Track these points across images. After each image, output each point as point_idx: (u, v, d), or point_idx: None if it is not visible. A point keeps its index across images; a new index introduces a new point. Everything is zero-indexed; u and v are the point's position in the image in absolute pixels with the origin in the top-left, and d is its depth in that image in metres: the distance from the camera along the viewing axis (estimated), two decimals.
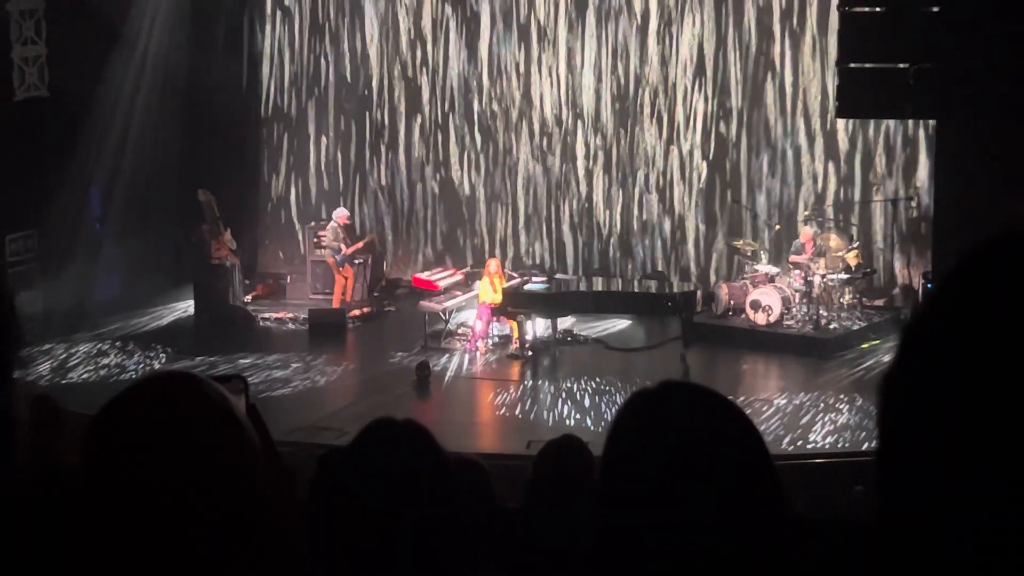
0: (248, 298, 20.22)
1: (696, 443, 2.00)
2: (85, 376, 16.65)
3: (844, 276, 17.68)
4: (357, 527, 2.72)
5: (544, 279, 18.95)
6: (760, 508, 1.96)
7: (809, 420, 14.69)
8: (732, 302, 18.05)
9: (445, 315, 18.30)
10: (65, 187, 18.67)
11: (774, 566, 1.94)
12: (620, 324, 18.66)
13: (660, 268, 20.23)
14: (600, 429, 13.99)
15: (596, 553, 2.05)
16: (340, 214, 20.03)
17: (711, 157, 20.06)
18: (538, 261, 20.91)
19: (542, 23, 20.67)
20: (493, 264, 18.17)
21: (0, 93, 17.61)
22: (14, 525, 1.83)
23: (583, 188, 20.77)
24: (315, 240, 20.58)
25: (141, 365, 17.15)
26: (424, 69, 21.36)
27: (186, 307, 19.67)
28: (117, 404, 2.00)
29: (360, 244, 20.03)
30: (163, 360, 17.31)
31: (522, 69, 20.89)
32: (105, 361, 17.34)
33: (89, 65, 18.77)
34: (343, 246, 19.62)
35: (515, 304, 17.53)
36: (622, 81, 20.41)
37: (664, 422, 2.04)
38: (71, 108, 18.50)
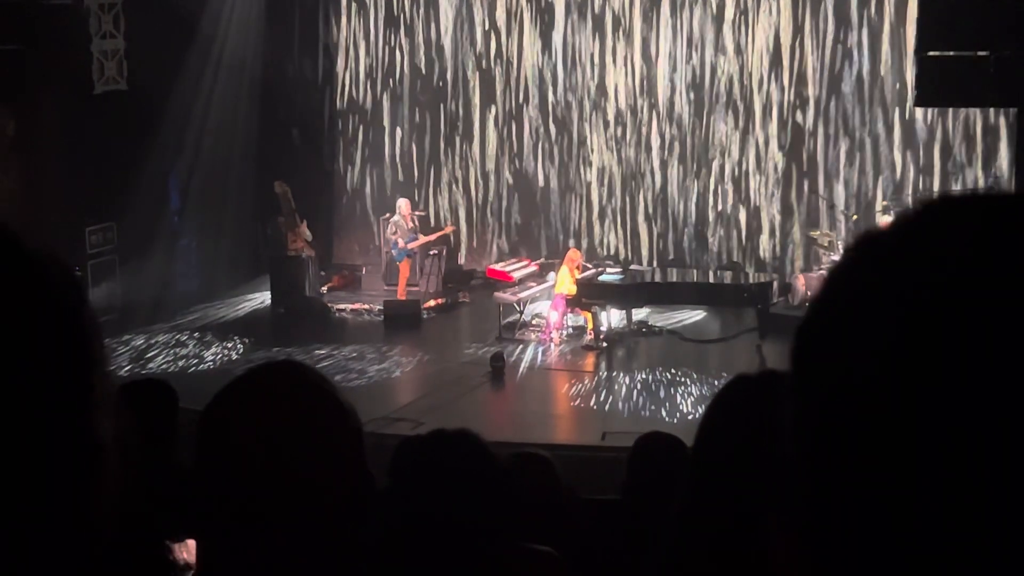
0: (324, 289, 20.34)
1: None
2: (164, 366, 16.81)
3: None
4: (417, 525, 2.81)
5: (619, 270, 18.88)
6: None
7: None
8: (809, 293, 17.90)
9: (520, 306, 18.30)
10: (144, 180, 18.86)
11: None
12: (695, 315, 18.57)
13: (736, 259, 20.12)
14: (675, 420, 13.93)
15: (684, 536, 2.04)
16: (401, 204, 20.00)
17: (787, 147, 19.91)
18: (612, 252, 20.86)
19: (616, 13, 20.60)
20: (574, 253, 18.09)
21: (79, 86, 17.81)
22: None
23: (658, 179, 20.69)
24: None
25: (219, 356, 17.30)
26: (498, 60, 21.37)
27: (263, 298, 19.82)
28: (230, 391, 2.02)
29: (431, 237, 20.01)
30: (240, 351, 17.45)
31: (596, 59, 20.84)
32: (183, 352, 17.51)
33: (167, 58, 18.95)
34: (400, 240, 19.57)
35: (589, 295, 17.50)
36: (697, 71, 20.30)
37: (763, 408, 2.01)
38: (149, 101, 18.68)
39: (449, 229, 20.71)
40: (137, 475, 1.26)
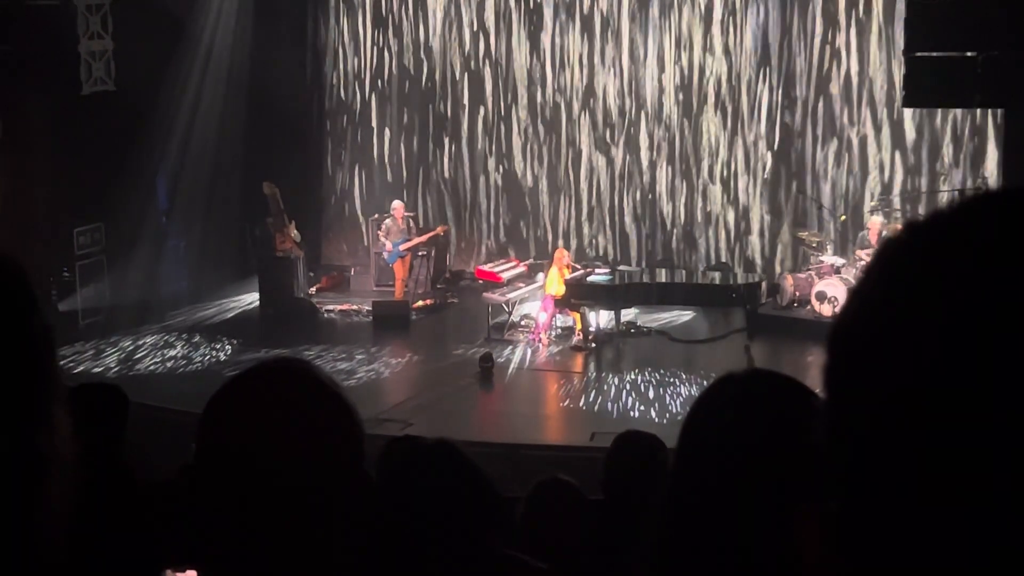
0: (312, 290, 20.33)
1: (780, 431, 1.96)
2: (152, 368, 16.79)
3: None
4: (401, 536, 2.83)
5: (607, 271, 18.89)
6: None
7: None
8: (797, 293, 17.93)
9: (508, 307, 18.30)
10: (132, 180, 18.81)
11: None
12: (684, 316, 18.58)
13: (724, 259, 20.13)
14: (664, 421, 13.94)
15: (668, 535, 2.04)
16: (395, 206, 19.99)
17: (776, 147, 19.92)
18: (601, 253, 20.86)
19: (605, 14, 20.60)
20: (562, 253, 18.06)
21: (67, 87, 17.76)
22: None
23: (646, 179, 20.69)
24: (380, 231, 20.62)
25: (207, 357, 17.28)
26: (487, 61, 21.36)
27: (251, 299, 19.80)
28: (232, 387, 2.02)
29: (423, 238, 19.97)
30: (229, 352, 17.43)
31: (585, 60, 20.84)
32: (172, 353, 17.49)
33: (155, 59, 18.90)
34: (388, 243, 19.53)
35: (578, 296, 17.50)
36: (686, 71, 20.31)
37: (749, 408, 2.01)
38: (137, 102, 18.63)
39: (441, 230, 20.63)
40: (82, 483, 1.24)
